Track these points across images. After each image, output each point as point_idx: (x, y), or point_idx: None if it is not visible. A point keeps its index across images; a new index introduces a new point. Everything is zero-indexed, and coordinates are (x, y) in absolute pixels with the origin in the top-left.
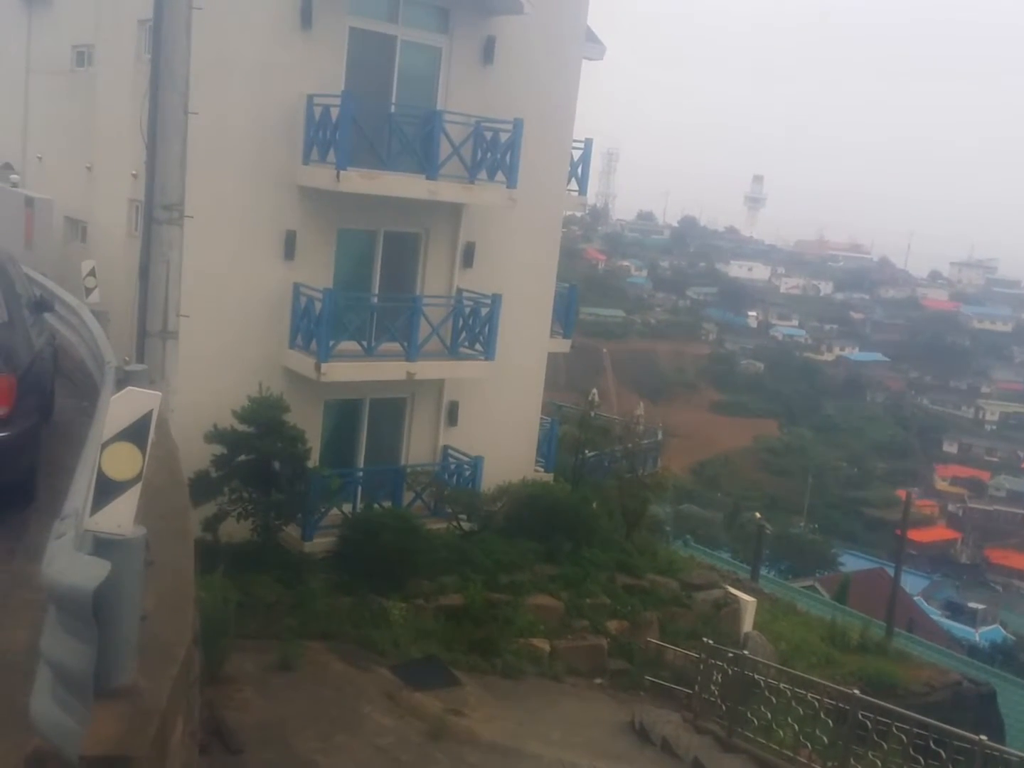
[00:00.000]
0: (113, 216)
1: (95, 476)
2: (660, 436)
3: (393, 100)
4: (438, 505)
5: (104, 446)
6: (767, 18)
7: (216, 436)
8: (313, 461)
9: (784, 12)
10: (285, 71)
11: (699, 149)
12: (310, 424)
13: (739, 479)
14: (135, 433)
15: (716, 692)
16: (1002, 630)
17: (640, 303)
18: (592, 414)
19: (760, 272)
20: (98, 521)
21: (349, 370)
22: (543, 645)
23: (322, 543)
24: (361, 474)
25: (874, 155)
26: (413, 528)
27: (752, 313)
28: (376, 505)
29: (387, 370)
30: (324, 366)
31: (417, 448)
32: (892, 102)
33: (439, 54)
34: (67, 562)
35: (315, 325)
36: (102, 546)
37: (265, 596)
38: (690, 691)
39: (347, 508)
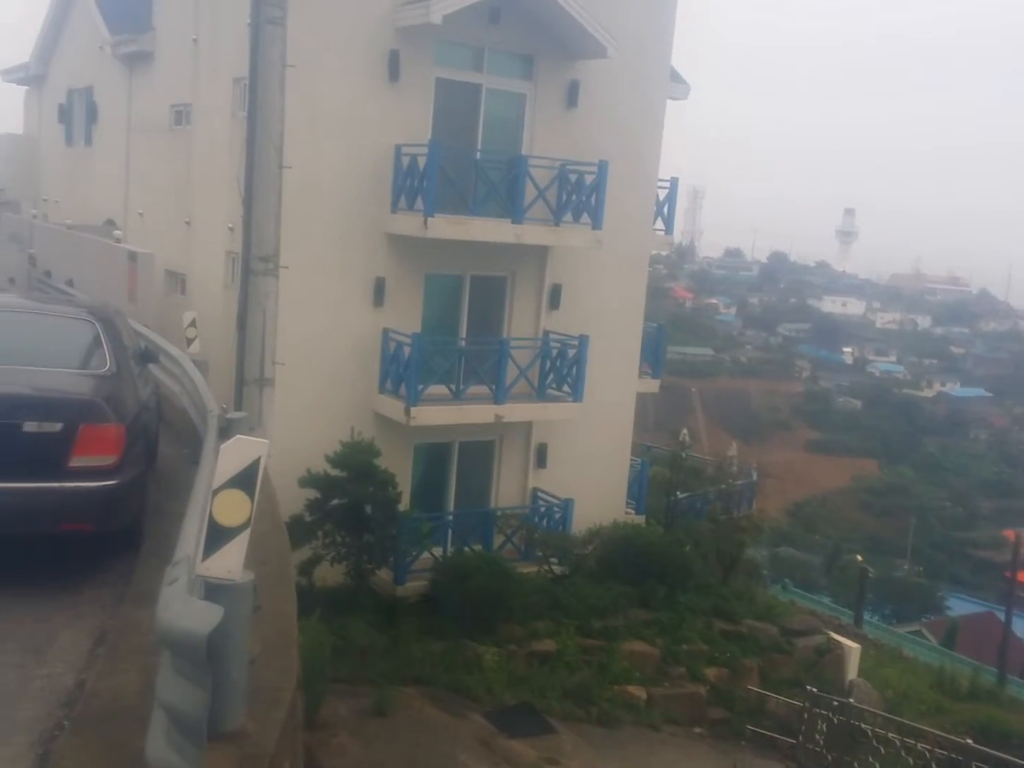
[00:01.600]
0: (210, 268)
1: (206, 522)
2: (754, 476)
3: (479, 146)
4: (528, 548)
5: (215, 493)
6: (855, 35)
7: (310, 481)
8: (404, 505)
9: (874, 26)
10: (374, 123)
11: (788, 184)
12: (400, 468)
13: (838, 520)
14: (244, 480)
15: (821, 742)
16: None
17: (729, 341)
18: (683, 455)
19: (854, 307)
20: (209, 567)
21: (438, 414)
22: (639, 692)
23: (414, 587)
24: (451, 517)
25: (974, 177)
26: (504, 572)
27: (847, 349)
28: (467, 548)
29: (475, 413)
30: (413, 410)
31: (506, 491)
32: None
33: (524, 100)
34: (181, 607)
35: (404, 370)
36: (213, 591)
37: (358, 640)
38: (794, 741)
39: (438, 552)
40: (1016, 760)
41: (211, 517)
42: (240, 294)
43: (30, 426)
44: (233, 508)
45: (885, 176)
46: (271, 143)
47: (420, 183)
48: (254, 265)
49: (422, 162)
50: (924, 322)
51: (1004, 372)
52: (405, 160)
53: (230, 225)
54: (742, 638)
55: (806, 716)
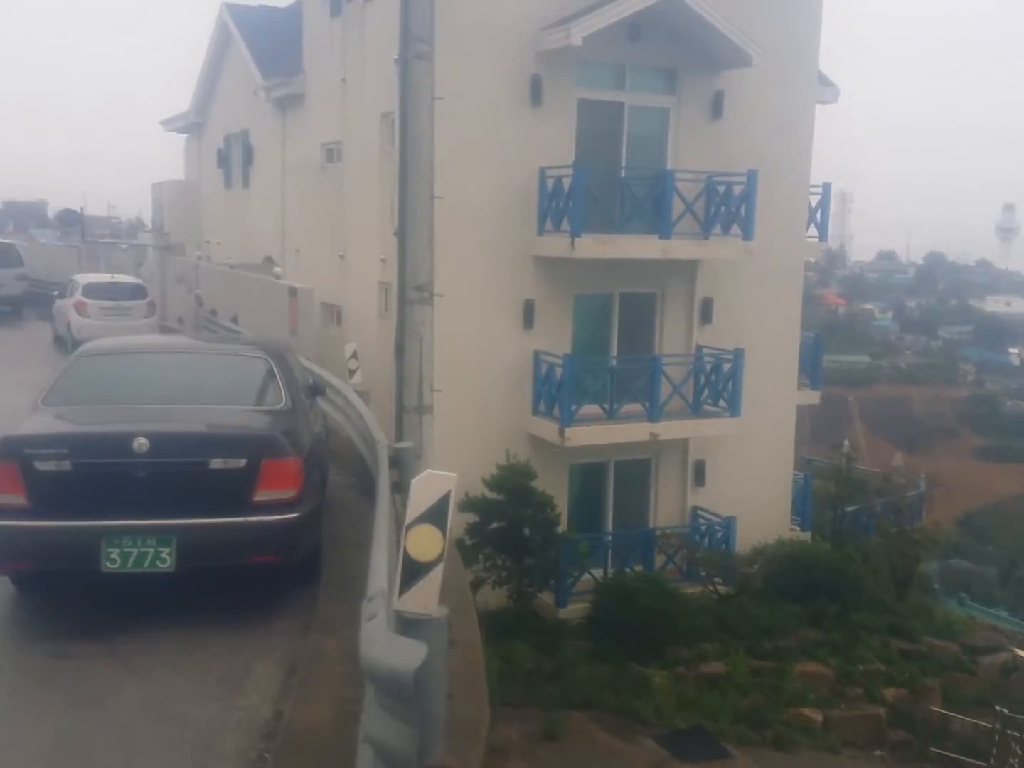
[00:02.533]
0: (365, 299)
1: (401, 558)
2: (923, 487)
3: (623, 164)
4: (691, 568)
5: (408, 528)
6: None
7: (469, 505)
8: (562, 526)
9: None
10: (518, 147)
11: (942, 182)
12: (557, 489)
13: (1013, 530)
14: (436, 515)
15: (1016, 765)
16: None
17: (887, 347)
18: (847, 466)
19: (1019, 306)
20: (405, 602)
21: (592, 434)
22: (815, 715)
23: (576, 609)
24: (610, 538)
25: None
26: (667, 592)
27: (1014, 350)
28: (627, 569)
29: (630, 432)
30: (567, 431)
31: (665, 509)
32: None
33: (667, 114)
34: (385, 644)
35: (556, 391)
36: (411, 626)
37: (524, 663)
38: (984, 765)
39: (598, 573)
40: None
41: (405, 552)
42: (398, 323)
43: (216, 463)
44: (426, 543)
45: None
46: (422, 175)
47: (565, 204)
48: (409, 295)
49: (567, 183)
50: None
51: None
52: (550, 182)
53: (382, 257)
54: (921, 657)
55: (997, 738)
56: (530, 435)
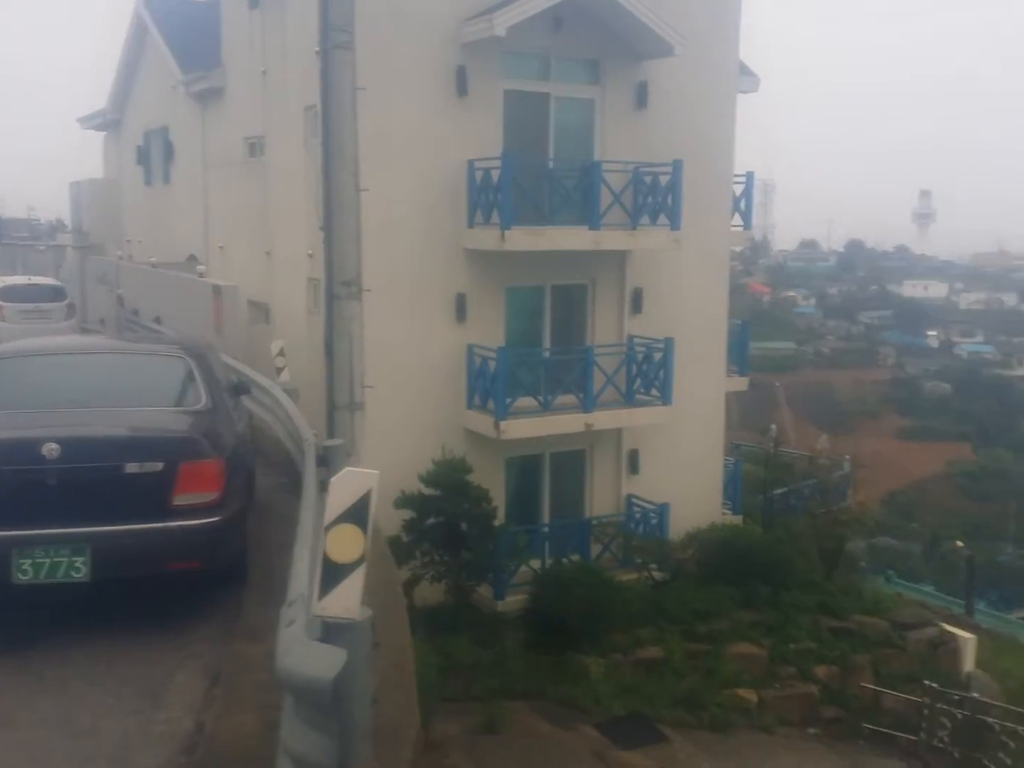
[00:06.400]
0: (293, 296)
1: (321, 560)
2: (847, 468)
3: (551, 155)
4: (627, 556)
5: (327, 529)
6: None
7: (405, 501)
8: (499, 519)
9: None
10: (446, 139)
11: (860, 171)
12: (493, 482)
13: (935, 507)
14: (356, 514)
15: (946, 738)
16: None
17: (810, 333)
18: (775, 451)
19: (937, 290)
20: (326, 606)
21: (527, 426)
22: (750, 695)
23: (514, 602)
24: (547, 529)
25: None
26: (604, 581)
27: (932, 333)
28: (565, 560)
29: (565, 423)
30: (503, 424)
31: (601, 499)
32: None
33: (593, 105)
34: (302, 652)
35: (491, 384)
36: (332, 631)
37: (463, 658)
38: (915, 738)
39: (536, 565)
40: None
41: (325, 555)
42: (326, 320)
43: (131, 467)
44: (347, 544)
45: (961, 156)
46: (347, 167)
47: (495, 196)
48: (337, 290)
49: (496, 175)
50: (1010, 300)
51: None
52: (479, 174)
53: (309, 252)
54: (851, 634)
55: (926, 712)
56: (466, 429)
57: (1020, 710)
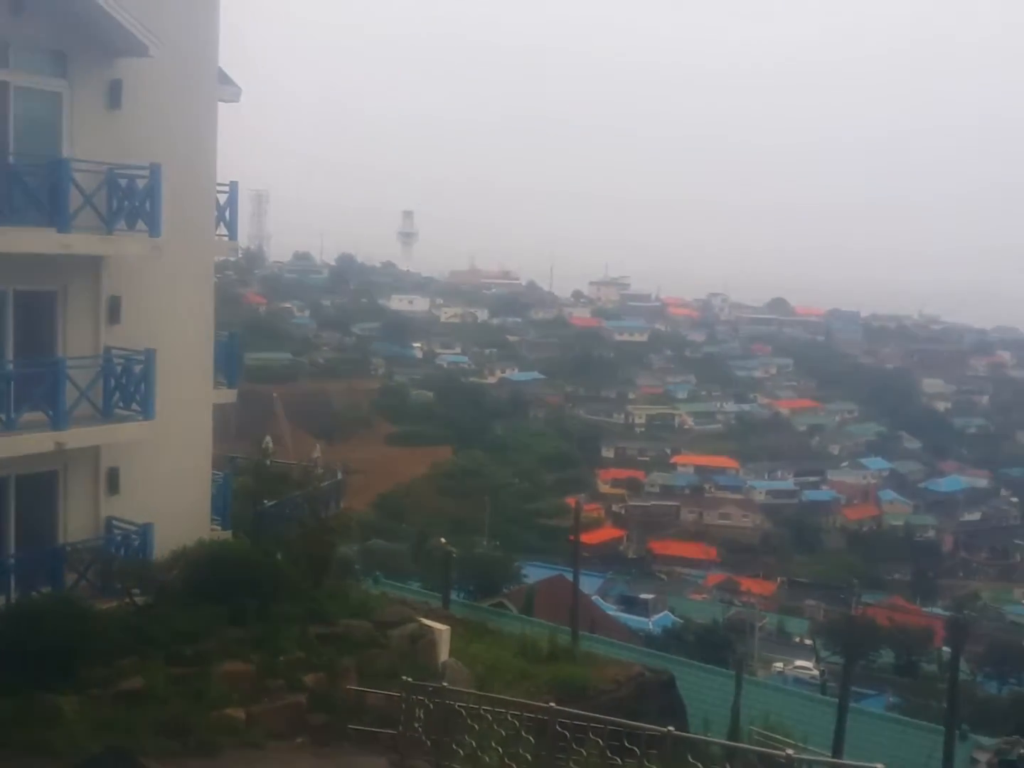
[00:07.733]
0: None
1: None
2: (340, 476)
3: (11, 149)
4: (106, 582)
5: None
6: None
7: None
8: None
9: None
10: None
11: (351, 186)
12: None
13: (421, 508)
14: None
15: (420, 728)
16: (671, 616)
17: (306, 344)
18: (267, 462)
19: (420, 304)
20: None
21: None
22: (238, 713)
23: None
24: (13, 561)
25: (516, 189)
26: (80, 612)
27: (417, 344)
28: (34, 592)
29: (32, 443)
30: None
31: (76, 523)
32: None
33: (59, 99)
34: None
35: None
36: None
37: None
38: (394, 732)
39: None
40: (591, 714)
41: None
42: None
43: None
44: None
45: (440, 176)
46: None
47: None
48: None
49: None
50: (483, 314)
51: (554, 355)
52: None
53: None
54: (338, 639)
55: (404, 706)
56: None
57: (484, 694)
